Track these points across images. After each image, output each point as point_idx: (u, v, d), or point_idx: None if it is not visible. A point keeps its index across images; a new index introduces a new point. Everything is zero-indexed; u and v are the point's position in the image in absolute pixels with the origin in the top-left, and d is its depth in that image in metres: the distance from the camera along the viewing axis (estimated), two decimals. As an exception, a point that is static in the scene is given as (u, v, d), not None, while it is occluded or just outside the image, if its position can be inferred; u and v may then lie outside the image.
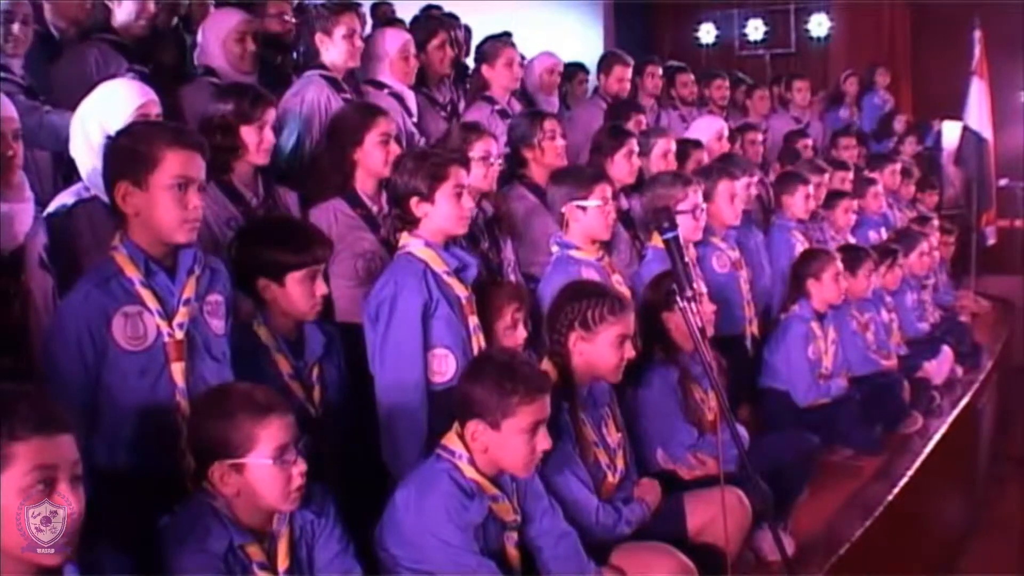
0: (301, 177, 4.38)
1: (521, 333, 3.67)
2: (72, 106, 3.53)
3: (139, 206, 2.81)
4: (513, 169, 4.93)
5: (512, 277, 4.47)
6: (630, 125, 5.75)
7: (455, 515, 2.89)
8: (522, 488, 3.10)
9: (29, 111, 3.66)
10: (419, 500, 2.91)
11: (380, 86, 5.15)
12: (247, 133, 3.86)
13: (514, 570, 3.03)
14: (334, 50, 4.84)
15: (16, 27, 4.02)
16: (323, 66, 4.84)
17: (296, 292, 3.19)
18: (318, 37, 4.86)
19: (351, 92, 4.89)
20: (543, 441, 2.95)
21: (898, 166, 8.56)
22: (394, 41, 5.21)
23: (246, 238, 3.38)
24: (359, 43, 4.92)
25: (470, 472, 2.96)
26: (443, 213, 3.49)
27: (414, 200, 3.48)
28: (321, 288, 3.23)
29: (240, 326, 3.17)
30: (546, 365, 3.49)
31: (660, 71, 8.08)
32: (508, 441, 2.93)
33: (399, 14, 7.80)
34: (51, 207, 3.39)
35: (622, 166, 5.11)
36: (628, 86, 7.37)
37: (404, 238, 3.52)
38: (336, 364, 3.38)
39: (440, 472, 2.95)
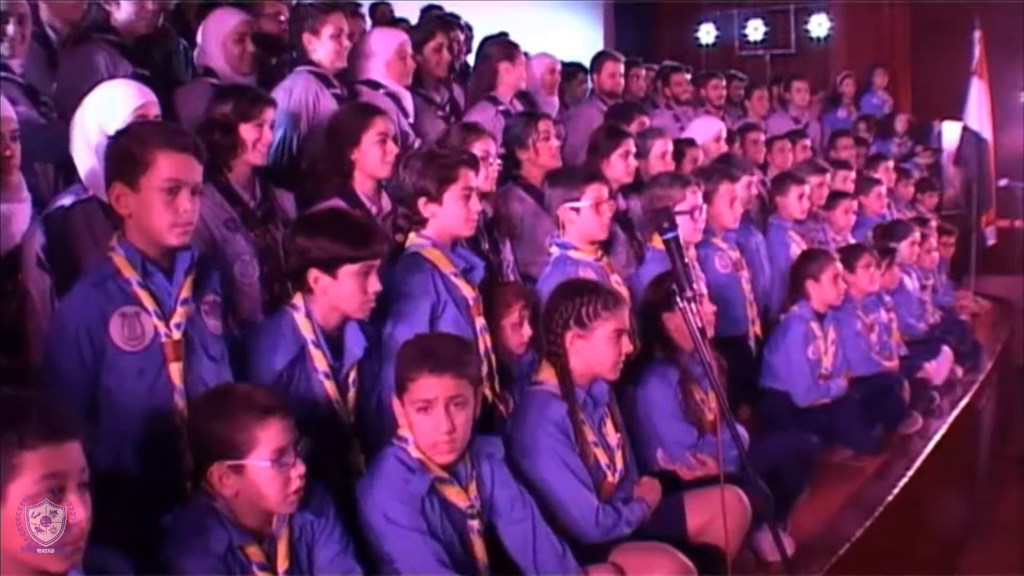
0: (294, 176, 4.37)
1: (527, 331, 3.67)
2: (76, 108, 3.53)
3: (132, 207, 2.81)
4: (509, 170, 4.93)
5: (511, 278, 4.48)
6: (633, 126, 5.73)
7: (397, 489, 2.88)
8: (485, 475, 3.07)
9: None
10: (370, 485, 2.93)
11: (376, 86, 5.14)
12: (246, 131, 3.86)
13: (480, 561, 3.00)
14: (322, 49, 4.84)
15: (10, 28, 3.98)
16: (312, 63, 4.84)
17: (348, 287, 3.09)
18: (306, 37, 4.85)
19: (340, 88, 4.89)
20: (440, 421, 2.88)
21: (891, 163, 8.55)
22: (389, 41, 5.21)
23: (304, 227, 3.27)
24: (347, 42, 4.91)
25: (415, 453, 2.94)
26: (451, 214, 3.49)
27: (422, 200, 3.48)
28: (375, 285, 3.13)
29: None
30: (545, 366, 3.50)
31: (644, 72, 8.08)
32: (411, 418, 2.93)
33: (398, 14, 7.82)
34: (49, 207, 3.39)
35: (618, 166, 5.11)
36: (621, 81, 7.37)
37: (411, 238, 3.51)
38: (375, 369, 3.31)
39: (387, 455, 2.96)
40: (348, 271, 3.09)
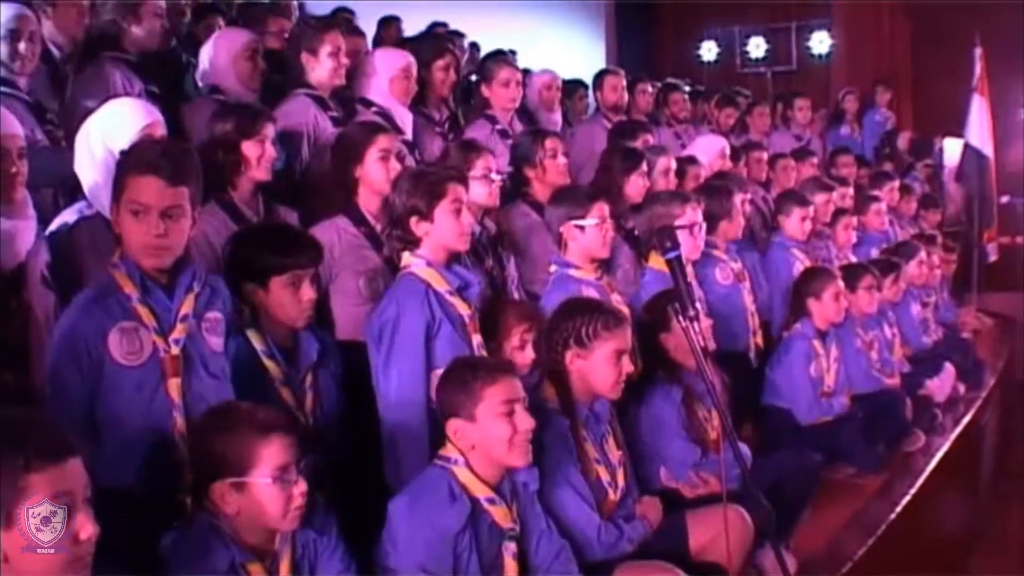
0: (296, 195, 4.37)
1: (529, 354, 3.66)
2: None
3: (118, 228, 2.85)
4: (516, 187, 4.93)
5: (515, 294, 4.47)
6: (637, 144, 5.75)
7: (436, 522, 2.89)
8: (522, 502, 3.10)
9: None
10: (410, 507, 2.92)
11: (367, 104, 5.14)
12: (248, 148, 3.87)
13: None
14: (320, 68, 4.83)
15: (22, 45, 4.04)
16: (309, 85, 4.84)
17: (280, 297, 3.19)
18: (304, 56, 4.84)
19: (338, 110, 4.89)
20: (523, 420, 2.95)
21: (897, 183, 8.57)
22: (393, 62, 5.21)
23: (234, 243, 3.40)
24: (345, 60, 4.91)
25: (463, 475, 2.96)
26: (443, 230, 3.48)
27: (413, 219, 3.47)
28: (308, 293, 3.22)
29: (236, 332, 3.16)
30: (547, 384, 3.51)
31: (650, 88, 8.09)
32: (486, 429, 2.94)
33: (405, 30, 7.86)
34: (53, 225, 3.39)
35: (637, 186, 5.13)
36: (625, 95, 7.37)
37: (406, 258, 3.51)
38: (332, 372, 3.39)
39: (432, 478, 2.97)
40: (278, 282, 3.19)
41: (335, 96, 4.96)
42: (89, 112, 3.57)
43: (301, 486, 2.58)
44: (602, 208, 4.28)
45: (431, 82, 5.57)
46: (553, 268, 4.33)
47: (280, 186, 4.30)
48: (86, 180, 3.39)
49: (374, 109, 5.09)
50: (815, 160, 7.90)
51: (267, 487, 2.54)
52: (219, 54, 4.86)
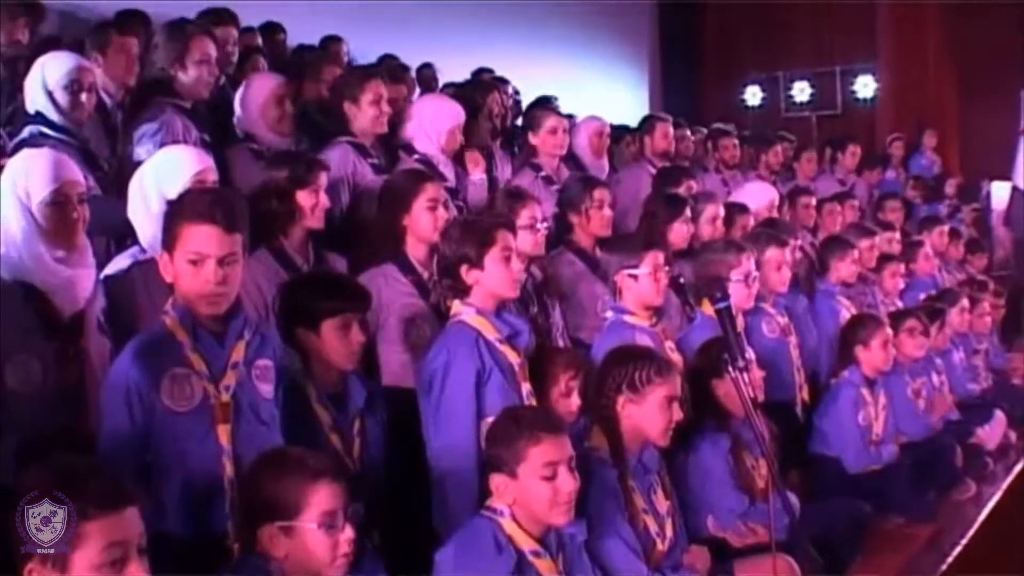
0: (337, 241, 4.43)
1: (575, 401, 3.67)
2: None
3: (172, 276, 2.89)
4: (560, 233, 4.95)
5: (560, 342, 4.48)
6: (681, 190, 5.75)
7: (482, 573, 2.89)
8: (568, 553, 3.09)
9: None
10: (456, 558, 2.93)
11: (410, 151, 5.16)
12: (303, 197, 3.93)
13: None
14: (362, 117, 4.88)
15: (84, 96, 4.18)
16: (351, 132, 4.89)
17: (331, 340, 3.24)
18: (346, 105, 4.89)
19: (378, 157, 4.93)
20: (567, 482, 2.94)
21: (946, 227, 8.49)
22: (448, 115, 5.21)
23: (286, 290, 3.47)
24: (387, 108, 4.95)
25: (509, 527, 2.96)
26: (494, 278, 3.50)
27: (464, 268, 3.50)
28: (357, 337, 3.27)
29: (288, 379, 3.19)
30: (596, 432, 3.50)
31: (689, 133, 8.07)
32: (527, 488, 2.94)
33: (449, 76, 7.90)
34: (108, 269, 3.46)
35: (680, 232, 5.14)
36: (674, 142, 7.36)
37: (456, 306, 3.53)
38: (378, 419, 3.41)
39: (479, 529, 2.97)
40: (329, 326, 3.24)
41: (378, 141, 5.00)
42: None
43: (348, 533, 2.59)
44: (655, 257, 4.27)
45: (473, 131, 5.61)
46: (609, 314, 4.33)
47: (321, 232, 4.35)
48: (140, 225, 3.46)
49: (416, 156, 5.11)
50: (855, 203, 7.83)
51: (314, 532, 2.55)
52: (249, 102, 4.92)
